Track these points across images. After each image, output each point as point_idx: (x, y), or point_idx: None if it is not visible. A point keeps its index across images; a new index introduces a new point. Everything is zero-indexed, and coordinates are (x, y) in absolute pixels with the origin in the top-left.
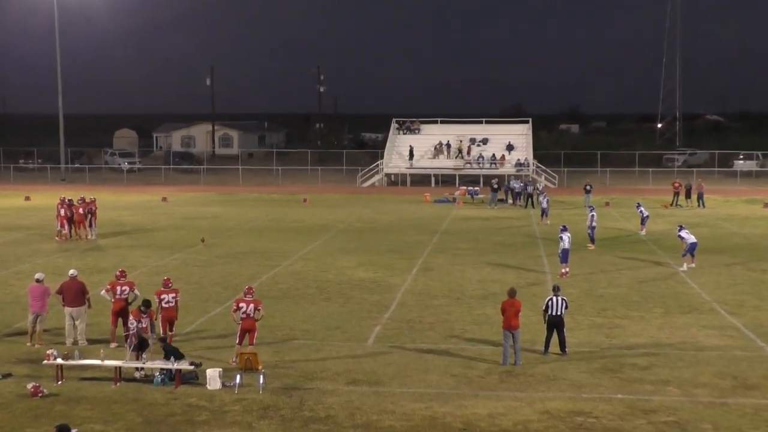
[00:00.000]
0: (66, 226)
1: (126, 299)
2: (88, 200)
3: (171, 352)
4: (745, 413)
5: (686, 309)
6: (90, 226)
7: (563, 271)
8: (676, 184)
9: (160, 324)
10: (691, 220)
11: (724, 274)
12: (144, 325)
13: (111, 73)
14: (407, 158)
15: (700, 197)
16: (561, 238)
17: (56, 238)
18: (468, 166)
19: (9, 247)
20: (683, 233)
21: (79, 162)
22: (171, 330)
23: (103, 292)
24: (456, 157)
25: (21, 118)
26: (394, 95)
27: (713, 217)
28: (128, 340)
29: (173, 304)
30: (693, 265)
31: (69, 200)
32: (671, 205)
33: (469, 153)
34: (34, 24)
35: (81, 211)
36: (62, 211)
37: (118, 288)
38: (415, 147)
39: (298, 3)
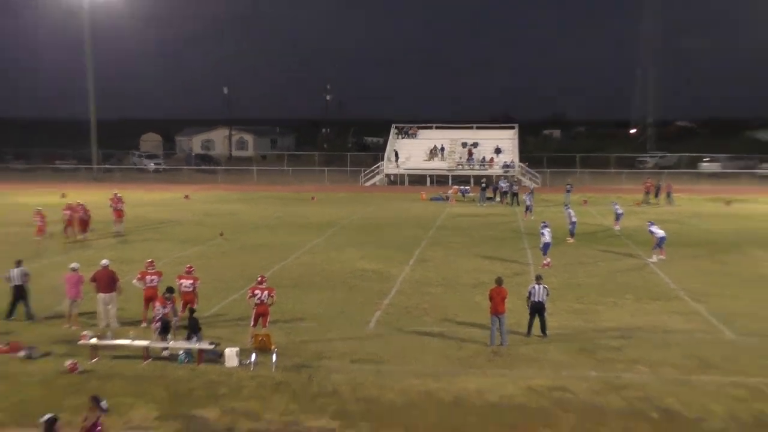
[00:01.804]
0: (67, 229)
1: (155, 286)
2: (118, 197)
3: (193, 326)
4: (707, 391)
5: (655, 296)
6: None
7: (545, 261)
8: (648, 184)
9: (180, 306)
10: (661, 216)
11: (690, 265)
12: (167, 310)
13: (139, 83)
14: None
15: (668, 196)
16: (542, 233)
17: (70, 235)
18: (460, 167)
19: (45, 240)
20: (653, 228)
21: (109, 163)
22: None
23: (135, 281)
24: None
25: (57, 123)
26: (394, 102)
27: (680, 214)
28: (155, 324)
29: (191, 289)
30: (662, 257)
31: (78, 203)
32: (643, 203)
33: (471, 155)
34: (69, 39)
35: (118, 206)
36: (67, 214)
37: (148, 277)
38: (412, 150)
39: (307, 25)
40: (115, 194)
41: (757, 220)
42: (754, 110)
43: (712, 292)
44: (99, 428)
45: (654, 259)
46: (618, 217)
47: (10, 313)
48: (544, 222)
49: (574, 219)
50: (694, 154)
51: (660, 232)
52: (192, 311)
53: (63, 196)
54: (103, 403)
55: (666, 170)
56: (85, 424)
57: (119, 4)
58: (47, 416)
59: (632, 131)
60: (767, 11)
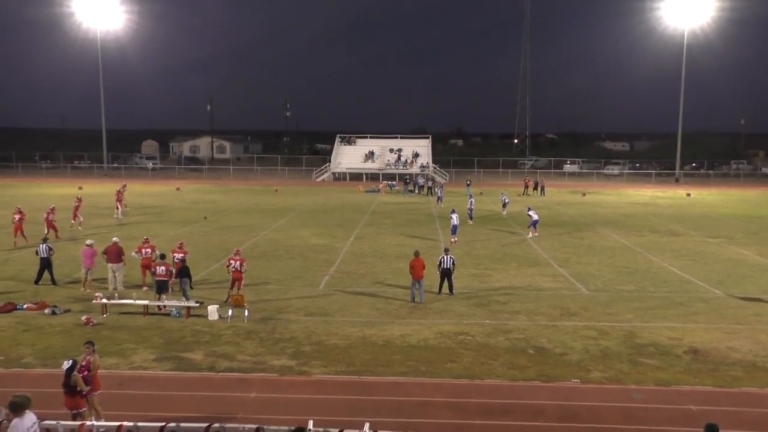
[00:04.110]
0: (16, 234)
1: (150, 257)
2: (121, 188)
3: (184, 271)
4: (568, 331)
5: (531, 263)
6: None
7: (453, 239)
8: (526, 180)
9: (175, 272)
10: (536, 204)
11: (556, 240)
12: (162, 272)
13: (141, 100)
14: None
15: (542, 189)
16: (451, 217)
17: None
18: (388, 167)
19: (66, 222)
20: (530, 213)
21: (117, 162)
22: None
23: (133, 253)
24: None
25: (76, 132)
26: (339, 117)
27: (550, 203)
28: (159, 286)
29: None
30: (536, 234)
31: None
32: (523, 194)
33: (398, 159)
34: (86, 64)
35: (120, 197)
36: (16, 218)
37: (143, 250)
38: (352, 154)
39: (275, 62)
40: (122, 187)
41: (604, 207)
42: (601, 127)
43: (572, 259)
44: (85, 363)
45: (530, 235)
46: (504, 204)
47: (38, 279)
48: (453, 209)
49: (472, 206)
50: (559, 159)
51: (535, 216)
52: (183, 261)
53: (80, 188)
54: (95, 347)
55: (539, 170)
56: (82, 361)
57: (125, 37)
58: (68, 361)
59: (515, 141)
60: (613, 54)
